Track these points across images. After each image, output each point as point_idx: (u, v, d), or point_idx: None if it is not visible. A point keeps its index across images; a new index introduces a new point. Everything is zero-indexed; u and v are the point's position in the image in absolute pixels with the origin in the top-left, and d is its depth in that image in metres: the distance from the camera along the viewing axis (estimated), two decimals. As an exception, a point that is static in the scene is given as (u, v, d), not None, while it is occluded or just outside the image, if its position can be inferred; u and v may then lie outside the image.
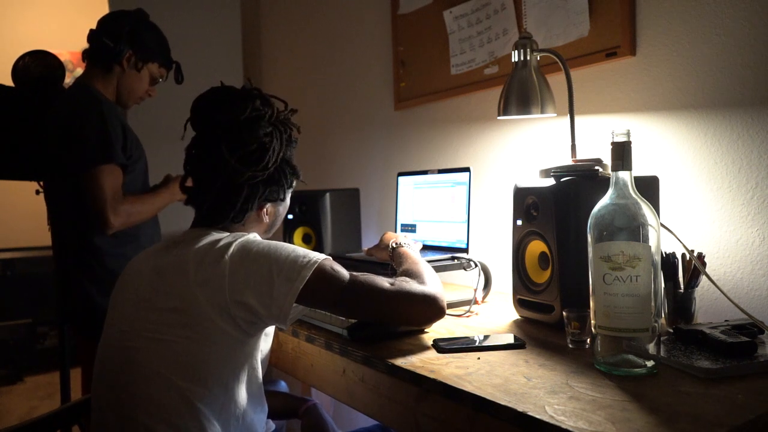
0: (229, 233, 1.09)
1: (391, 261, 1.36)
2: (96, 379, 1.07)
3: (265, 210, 1.18)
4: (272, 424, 1.22)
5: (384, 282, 1.09)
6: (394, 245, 1.37)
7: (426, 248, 1.69)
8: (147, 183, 1.87)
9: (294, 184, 1.22)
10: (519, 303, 1.35)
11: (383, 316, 1.12)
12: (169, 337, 0.99)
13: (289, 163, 1.17)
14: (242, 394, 1.05)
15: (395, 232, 1.75)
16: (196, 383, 0.98)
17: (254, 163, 1.10)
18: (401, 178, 1.88)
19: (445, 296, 1.15)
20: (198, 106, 1.14)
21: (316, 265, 1.03)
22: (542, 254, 1.29)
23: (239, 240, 1.04)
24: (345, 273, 1.07)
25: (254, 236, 1.10)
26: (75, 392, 2.26)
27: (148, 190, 1.85)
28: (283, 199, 1.20)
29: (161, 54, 1.88)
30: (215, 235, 1.07)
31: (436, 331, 1.26)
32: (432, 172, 1.76)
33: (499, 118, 1.47)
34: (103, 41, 1.77)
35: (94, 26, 1.83)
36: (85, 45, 1.84)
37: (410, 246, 1.38)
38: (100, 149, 1.64)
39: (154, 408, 0.97)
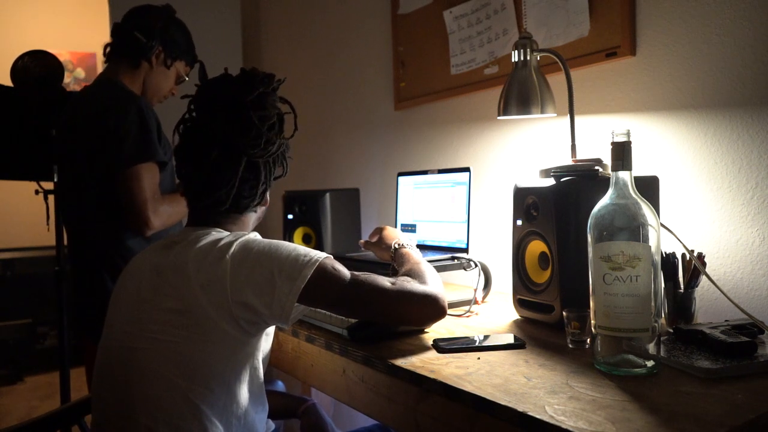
0: (229, 232, 1.09)
1: (392, 261, 1.36)
2: (97, 379, 1.07)
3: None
4: (272, 424, 1.22)
5: (385, 281, 1.09)
6: (396, 246, 1.37)
7: (426, 248, 1.69)
8: (174, 182, 1.81)
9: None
10: (519, 303, 1.35)
11: (384, 315, 1.12)
12: (171, 337, 0.98)
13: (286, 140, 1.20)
14: (244, 394, 1.05)
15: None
16: (198, 384, 0.98)
17: (278, 133, 1.13)
18: (401, 178, 1.88)
19: (447, 296, 1.15)
20: (214, 87, 1.13)
21: (317, 264, 1.02)
22: (542, 254, 1.29)
23: (240, 239, 1.04)
24: (346, 272, 1.07)
25: (255, 235, 1.10)
26: (75, 392, 2.26)
27: (175, 189, 1.79)
28: (285, 175, 1.21)
29: (189, 52, 1.83)
30: (215, 235, 1.07)
31: (436, 331, 1.26)
32: (432, 172, 1.76)
33: (499, 118, 1.47)
34: (135, 35, 1.70)
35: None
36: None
37: (413, 247, 1.37)
38: (140, 146, 1.58)
39: (156, 409, 0.97)
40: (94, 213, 1.66)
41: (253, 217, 1.20)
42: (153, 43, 1.72)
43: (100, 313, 1.62)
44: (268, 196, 1.20)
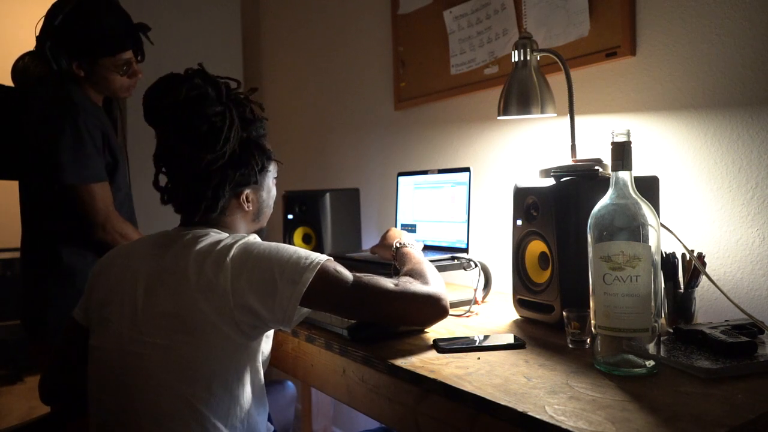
0: (228, 234, 1.07)
1: (394, 261, 1.36)
2: (95, 385, 1.05)
3: (244, 197, 1.13)
4: (271, 426, 1.21)
5: (388, 283, 1.09)
6: (398, 245, 1.37)
7: (426, 248, 1.69)
8: (129, 186, 1.77)
9: (268, 166, 1.17)
10: (519, 303, 1.35)
11: (387, 316, 1.12)
12: (171, 342, 0.97)
13: (257, 144, 1.11)
14: (246, 396, 1.04)
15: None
16: (200, 388, 0.97)
17: (209, 146, 1.03)
18: (401, 178, 1.88)
19: (448, 296, 1.15)
20: (145, 99, 1.09)
21: (318, 267, 1.01)
22: (542, 254, 1.29)
23: (240, 242, 1.03)
24: (348, 274, 1.06)
25: (254, 237, 1.09)
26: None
27: (130, 194, 1.76)
28: (257, 183, 1.14)
29: (105, 44, 1.61)
30: (214, 236, 1.05)
31: (436, 331, 1.26)
32: (432, 172, 1.76)
33: (499, 118, 1.48)
34: (51, 66, 1.59)
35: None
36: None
37: (414, 246, 1.37)
38: (75, 168, 1.53)
39: (158, 414, 0.96)
40: (34, 212, 1.74)
41: (237, 221, 1.15)
42: (63, 65, 1.59)
43: (40, 304, 1.73)
44: (245, 201, 1.13)
